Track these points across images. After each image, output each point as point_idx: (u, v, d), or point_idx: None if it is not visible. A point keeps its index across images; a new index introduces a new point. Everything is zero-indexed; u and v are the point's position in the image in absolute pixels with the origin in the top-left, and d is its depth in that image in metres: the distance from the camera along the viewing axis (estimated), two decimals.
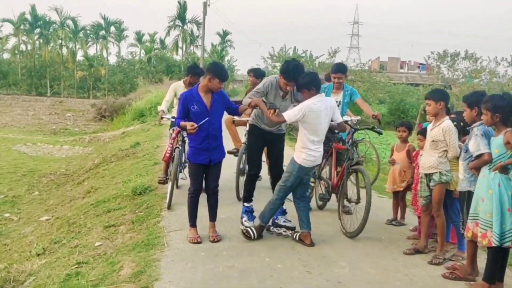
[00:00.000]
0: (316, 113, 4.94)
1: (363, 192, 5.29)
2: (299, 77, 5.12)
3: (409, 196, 6.52)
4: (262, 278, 4.29)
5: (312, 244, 5.10)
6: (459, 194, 4.44)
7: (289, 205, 5.62)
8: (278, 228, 5.52)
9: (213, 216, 5.33)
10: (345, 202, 5.77)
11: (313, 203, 6.25)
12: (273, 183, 5.68)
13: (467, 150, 4.25)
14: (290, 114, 4.96)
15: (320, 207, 6.53)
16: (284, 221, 5.54)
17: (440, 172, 4.58)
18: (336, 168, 5.92)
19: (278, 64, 32.28)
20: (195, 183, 5.25)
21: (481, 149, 4.00)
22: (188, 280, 4.23)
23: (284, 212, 5.64)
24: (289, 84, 5.23)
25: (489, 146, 3.99)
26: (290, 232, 5.41)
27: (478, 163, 4.06)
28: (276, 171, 5.69)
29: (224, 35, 65.61)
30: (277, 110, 4.96)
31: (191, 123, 4.95)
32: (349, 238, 5.36)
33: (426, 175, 4.70)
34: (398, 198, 6.12)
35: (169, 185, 6.65)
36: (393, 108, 31.37)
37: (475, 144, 4.06)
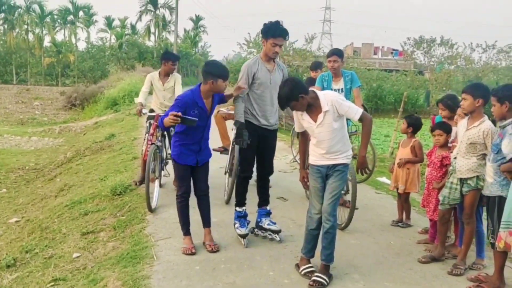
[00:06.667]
0: None
1: None
2: (285, 32, 4.64)
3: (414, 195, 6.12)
4: None
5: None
6: (488, 199, 3.96)
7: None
8: (263, 231, 5.07)
9: (207, 221, 4.79)
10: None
11: None
12: (261, 185, 5.19)
13: (498, 151, 3.78)
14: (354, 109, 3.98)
15: None
16: (268, 224, 5.05)
17: (477, 177, 4.09)
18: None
19: (254, 51, 31.68)
20: (183, 186, 4.68)
21: None
22: None
23: (268, 214, 5.15)
24: (278, 42, 4.62)
25: None
26: (275, 235, 4.97)
27: None
28: (266, 171, 5.16)
29: (197, 20, 64.63)
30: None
31: (174, 112, 4.20)
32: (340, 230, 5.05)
33: (460, 179, 4.21)
34: (402, 199, 5.68)
35: (146, 185, 5.87)
36: (371, 94, 31.06)
37: (510, 144, 3.60)
